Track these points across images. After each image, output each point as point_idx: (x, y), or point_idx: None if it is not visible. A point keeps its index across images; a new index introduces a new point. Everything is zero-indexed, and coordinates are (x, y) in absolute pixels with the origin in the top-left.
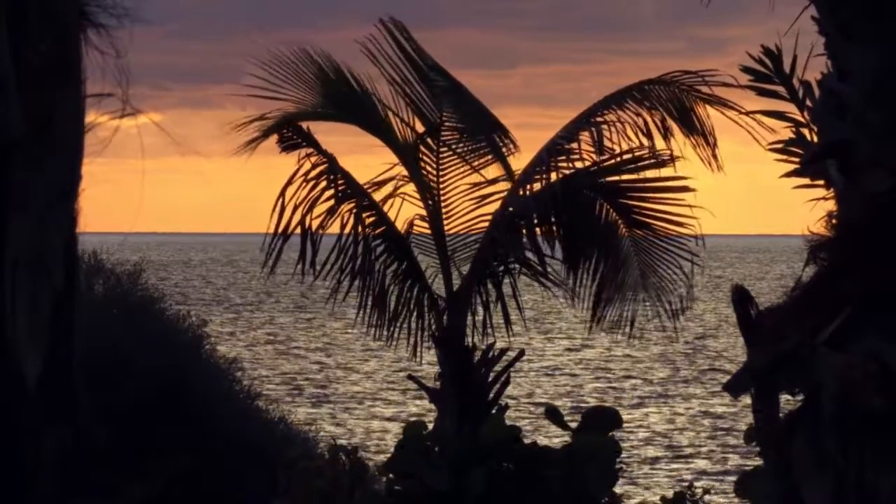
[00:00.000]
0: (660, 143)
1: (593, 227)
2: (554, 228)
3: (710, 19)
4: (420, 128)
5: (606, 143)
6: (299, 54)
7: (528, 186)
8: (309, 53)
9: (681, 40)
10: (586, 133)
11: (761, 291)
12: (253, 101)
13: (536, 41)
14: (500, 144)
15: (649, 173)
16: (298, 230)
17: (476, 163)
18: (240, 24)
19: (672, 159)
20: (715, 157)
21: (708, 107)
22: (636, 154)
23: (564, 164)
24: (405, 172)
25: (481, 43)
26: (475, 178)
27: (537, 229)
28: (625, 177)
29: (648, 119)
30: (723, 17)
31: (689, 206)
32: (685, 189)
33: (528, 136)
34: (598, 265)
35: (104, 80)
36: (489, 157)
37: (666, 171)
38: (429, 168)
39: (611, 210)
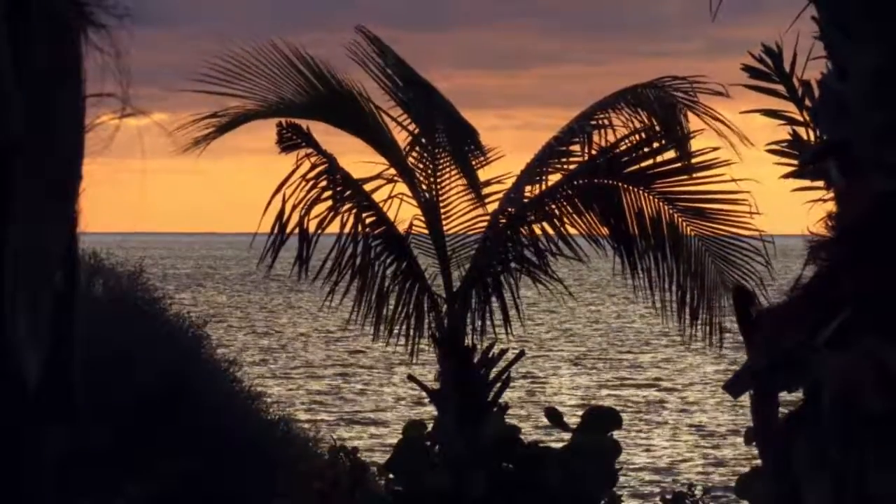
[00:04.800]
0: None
1: (640, 221)
2: (595, 222)
3: (728, 20)
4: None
5: (603, 143)
6: (271, 50)
7: (536, 187)
8: (281, 50)
9: (698, 41)
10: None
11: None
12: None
13: (551, 41)
14: (470, 156)
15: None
16: (296, 230)
17: (451, 175)
18: (260, 26)
19: (689, 169)
20: (690, 163)
21: (695, 110)
22: (659, 141)
23: (573, 164)
24: (395, 173)
25: (496, 43)
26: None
27: (535, 227)
28: (652, 161)
29: (645, 120)
30: (742, 17)
31: (732, 179)
32: (720, 163)
33: (543, 137)
34: (670, 268)
35: (104, 80)
36: (481, 160)
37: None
38: (427, 170)
39: (660, 204)
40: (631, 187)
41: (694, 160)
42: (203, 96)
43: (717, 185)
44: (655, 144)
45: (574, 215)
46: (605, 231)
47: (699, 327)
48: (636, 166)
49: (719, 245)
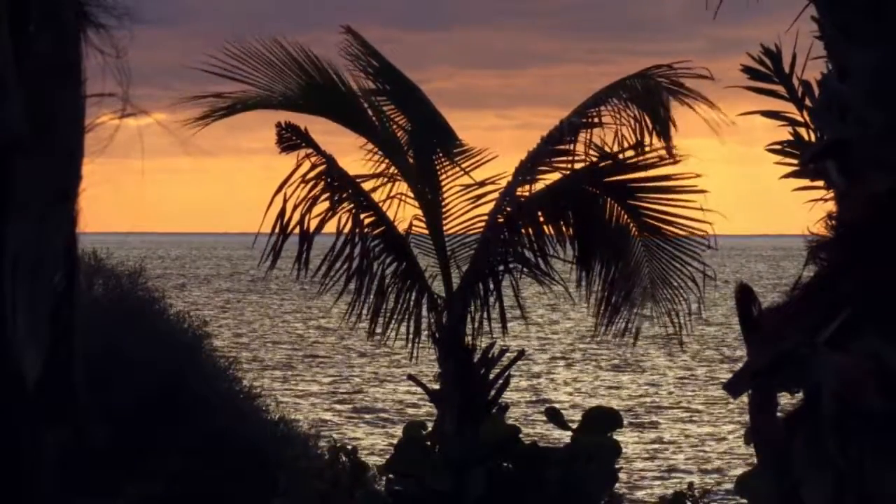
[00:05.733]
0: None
1: (603, 226)
2: (563, 227)
3: (729, 19)
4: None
5: (597, 140)
6: (274, 46)
7: (527, 187)
8: (282, 45)
9: (698, 41)
10: (582, 132)
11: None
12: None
13: (551, 41)
14: (440, 158)
15: (655, 173)
16: (297, 230)
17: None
18: (260, 25)
19: (672, 157)
20: (669, 151)
21: (695, 104)
22: (640, 153)
23: (564, 164)
24: (398, 172)
25: (496, 43)
26: (467, 179)
27: (545, 227)
28: (631, 175)
29: (637, 114)
30: (742, 16)
31: (701, 208)
32: (695, 190)
33: (537, 137)
34: (609, 269)
35: (104, 80)
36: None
37: (672, 171)
38: (424, 168)
39: (621, 212)
40: (605, 196)
41: (674, 182)
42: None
43: (682, 209)
44: (639, 154)
45: (552, 222)
46: (569, 232)
47: (617, 325)
48: (618, 177)
49: (660, 259)
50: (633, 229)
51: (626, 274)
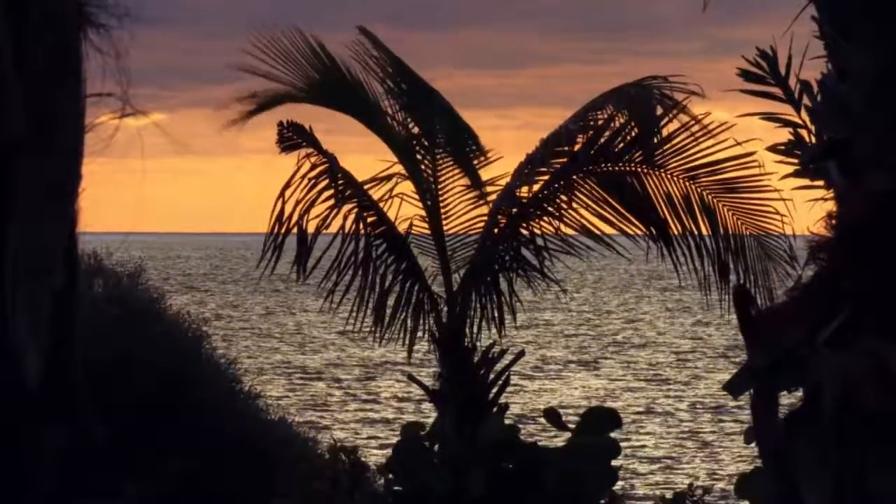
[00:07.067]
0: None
1: (649, 199)
2: (610, 206)
3: (728, 20)
4: (415, 129)
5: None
6: (295, 37)
7: (530, 185)
8: (304, 36)
9: (698, 41)
10: (580, 136)
11: None
12: (248, 86)
13: (551, 41)
14: (471, 156)
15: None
16: (296, 230)
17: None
18: (258, 25)
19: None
20: (652, 162)
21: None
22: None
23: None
24: (403, 171)
25: (496, 43)
26: (468, 180)
27: (542, 223)
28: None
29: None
30: (742, 16)
31: (738, 142)
32: (726, 127)
33: (538, 137)
34: (702, 246)
35: (104, 80)
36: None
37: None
38: (426, 168)
39: (678, 180)
40: (650, 170)
41: (695, 127)
42: (206, 97)
43: (723, 152)
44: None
45: (593, 205)
46: (636, 223)
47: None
48: (639, 151)
49: (751, 214)
50: (711, 200)
51: (731, 250)
